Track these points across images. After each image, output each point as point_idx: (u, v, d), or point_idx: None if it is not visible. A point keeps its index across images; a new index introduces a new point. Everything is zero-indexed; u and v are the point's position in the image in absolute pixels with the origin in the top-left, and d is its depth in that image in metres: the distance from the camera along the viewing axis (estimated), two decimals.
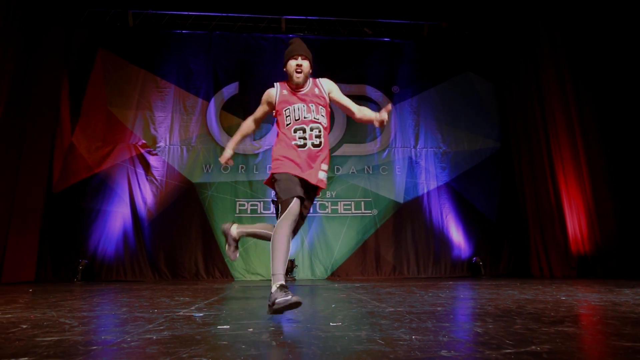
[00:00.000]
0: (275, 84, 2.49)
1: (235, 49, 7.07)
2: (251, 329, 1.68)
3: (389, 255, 6.38)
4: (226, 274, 6.12)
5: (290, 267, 6.02)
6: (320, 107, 2.39)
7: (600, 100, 6.10)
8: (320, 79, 2.52)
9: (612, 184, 5.91)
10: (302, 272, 6.22)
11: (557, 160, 6.28)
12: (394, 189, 6.68)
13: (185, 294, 3.53)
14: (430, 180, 6.78)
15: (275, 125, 2.47)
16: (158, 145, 6.49)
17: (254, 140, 6.69)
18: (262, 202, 6.44)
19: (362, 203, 6.60)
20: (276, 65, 7.04)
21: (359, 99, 7.05)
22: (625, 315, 2.03)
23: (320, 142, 2.31)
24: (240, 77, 6.94)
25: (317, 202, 6.56)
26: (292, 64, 2.38)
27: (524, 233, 6.47)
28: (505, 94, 7.10)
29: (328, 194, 6.61)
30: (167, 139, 6.53)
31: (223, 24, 7.22)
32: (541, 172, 6.40)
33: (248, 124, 2.65)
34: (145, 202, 6.23)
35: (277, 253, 2.05)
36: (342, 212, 6.54)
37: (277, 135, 2.42)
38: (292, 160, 2.24)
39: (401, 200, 6.65)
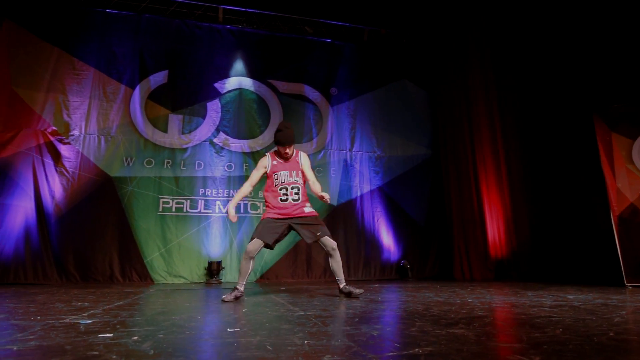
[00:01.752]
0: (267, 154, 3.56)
1: (166, 35, 6.72)
2: (136, 337, 1.58)
3: (320, 258, 6.42)
4: (145, 276, 5.78)
5: (217, 269, 5.84)
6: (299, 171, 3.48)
7: (522, 115, 6.67)
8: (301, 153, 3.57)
9: (528, 193, 6.48)
10: (229, 275, 6.06)
11: (480, 169, 6.75)
12: (329, 191, 6.74)
13: (87, 299, 3.27)
14: (364, 183, 6.95)
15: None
16: (71, 133, 5.96)
17: (182, 133, 6.41)
18: (188, 200, 6.17)
19: None
20: (211, 56, 6.84)
21: (297, 98, 7.08)
22: (516, 316, 2.20)
23: (299, 197, 3.38)
24: (170, 66, 6.60)
25: (248, 202, 6.45)
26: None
27: (449, 237, 6.86)
28: (437, 104, 7.50)
29: (260, 194, 6.50)
30: (83, 127, 6.03)
31: (154, 6, 6.83)
32: (466, 179, 6.83)
33: (246, 188, 3.53)
34: (53, 196, 5.69)
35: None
36: None
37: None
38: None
39: (335, 203, 6.74)
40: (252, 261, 3.25)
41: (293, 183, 3.38)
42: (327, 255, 3.39)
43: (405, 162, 7.23)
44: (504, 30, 6.75)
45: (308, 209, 3.39)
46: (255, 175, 3.51)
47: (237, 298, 3.17)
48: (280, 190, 3.36)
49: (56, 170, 5.80)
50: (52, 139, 5.87)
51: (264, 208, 6.49)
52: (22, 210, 5.58)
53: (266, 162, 3.49)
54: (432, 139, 7.48)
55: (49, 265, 5.51)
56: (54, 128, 5.92)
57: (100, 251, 5.71)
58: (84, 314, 2.31)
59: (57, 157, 5.85)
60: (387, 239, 6.81)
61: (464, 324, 1.90)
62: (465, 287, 4.47)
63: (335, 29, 7.59)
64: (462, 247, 6.69)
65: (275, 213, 3.34)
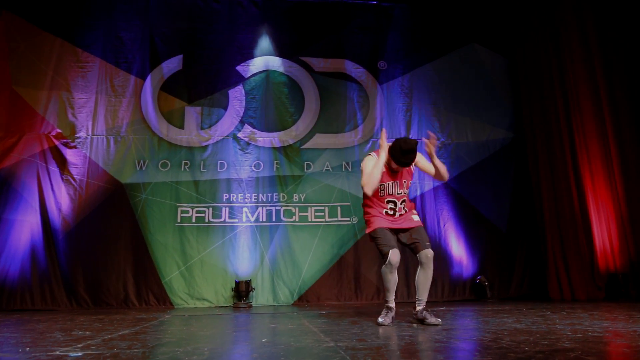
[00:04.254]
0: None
1: (179, 13, 6.97)
2: None
3: (371, 275, 6.34)
4: (164, 299, 6.03)
5: (246, 290, 5.96)
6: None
7: (637, 81, 6.15)
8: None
9: None
10: (261, 297, 6.16)
11: (582, 156, 6.32)
12: None
13: (91, 327, 3.47)
14: (424, 179, 6.77)
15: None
16: (77, 135, 6.37)
17: (201, 129, 6.62)
18: (210, 208, 6.36)
19: (339, 208, 6.57)
20: (232, 34, 7.00)
21: (337, 77, 7.07)
22: (615, 350, 2.02)
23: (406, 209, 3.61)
24: (185, 49, 6.84)
25: (282, 208, 6.52)
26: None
27: (541, 246, 6.50)
28: (520, 72, 7.12)
29: (296, 197, 6.56)
30: (90, 128, 6.42)
31: None
32: (562, 169, 6.43)
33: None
34: (59, 209, 6.11)
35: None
36: (313, 220, 6.49)
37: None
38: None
39: None
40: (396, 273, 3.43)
41: (403, 196, 3.59)
42: (420, 264, 3.44)
43: (479, 150, 6.96)
44: None
45: (416, 218, 3.62)
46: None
47: (393, 319, 3.46)
48: (388, 203, 3.56)
49: (62, 178, 6.23)
50: (56, 143, 6.31)
51: (301, 215, 6.61)
52: (27, 226, 6.04)
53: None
54: (514, 118, 7.13)
55: (58, 288, 5.91)
56: (59, 131, 6.35)
57: (113, 271, 6.04)
58: (79, 345, 2.44)
59: (62, 163, 6.27)
60: (457, 249, 6.60)
61: None
62: (560, 310, 4.22)
63: None
64: (559, 259, 6.31)
65: (384, 221, 3.52)
